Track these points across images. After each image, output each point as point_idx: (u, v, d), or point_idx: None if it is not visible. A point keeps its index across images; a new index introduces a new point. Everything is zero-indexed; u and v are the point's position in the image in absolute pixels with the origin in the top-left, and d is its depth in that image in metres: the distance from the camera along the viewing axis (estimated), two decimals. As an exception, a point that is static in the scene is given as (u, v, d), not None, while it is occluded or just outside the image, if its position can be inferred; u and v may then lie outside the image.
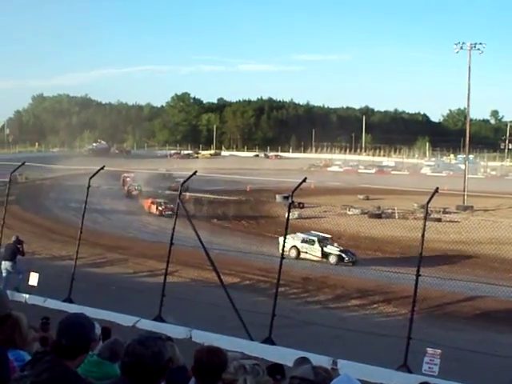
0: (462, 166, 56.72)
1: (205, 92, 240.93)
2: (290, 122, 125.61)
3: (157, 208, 37.70)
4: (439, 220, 36.32)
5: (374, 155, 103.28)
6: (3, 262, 15.49)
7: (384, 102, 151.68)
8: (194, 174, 13.47)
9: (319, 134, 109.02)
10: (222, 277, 13.06)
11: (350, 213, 38.71)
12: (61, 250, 22.86)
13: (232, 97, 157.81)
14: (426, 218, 11.32)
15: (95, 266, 20.87)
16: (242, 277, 20.82)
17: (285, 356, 8.50)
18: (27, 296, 14.10)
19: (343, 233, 30.13)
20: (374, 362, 10.05)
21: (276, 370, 4.91)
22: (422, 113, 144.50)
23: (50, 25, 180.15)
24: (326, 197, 39.47)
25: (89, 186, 14.44)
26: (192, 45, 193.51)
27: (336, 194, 42.95)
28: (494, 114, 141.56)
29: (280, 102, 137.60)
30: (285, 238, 13.06)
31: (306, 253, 25.83)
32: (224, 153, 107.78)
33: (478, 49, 54.10)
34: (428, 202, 11.20)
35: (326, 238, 26.56)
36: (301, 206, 34.98)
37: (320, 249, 25.74)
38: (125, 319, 12.25)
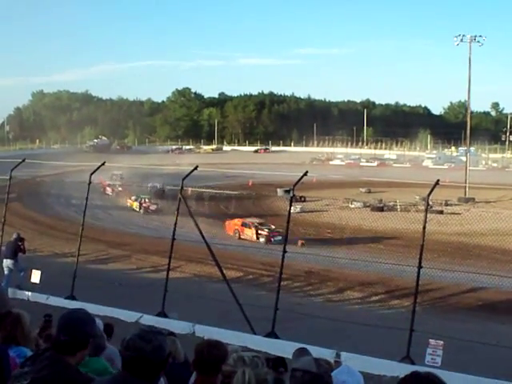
0: (464, 159, 56.58)
1: (206, 87, 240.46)
2: (292, 115, 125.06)
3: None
4: (441, 212, 36.42)
5: (375, 148, 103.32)
6: (4, 260, 15.47)
7: (385, 95, 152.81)
8: (195, 169, 13.33)
9: (321, 127, 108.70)
10: (224, 271, 13.08)
11: (352, 206, 38.78)
12: (63, 247, 22.92)
13: (233, 91, 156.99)
14: (426, 210, 11.43)
15: (98, 263, 20.92)
16: (244, 271, 20.87)
17: (288, 350, 8.44)
18: (30, 293, 14.15)
19: (345, 226, 30.15)
20: (377, 354, 10.07)
21: (279, 363, 4.92)
22: (422, 105, 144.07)
23: (50, 21, 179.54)
24: (328, 190, 39.43)
25: (89, 183, 14.46)
26: (192, 40, 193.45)
27: (338, 187, 42.97)
28: (495, 106, 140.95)
29: (281, 95, 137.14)
30: (287, 233, 12.99)
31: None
32: (226, 147, 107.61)
33: (478, 41, 54.09)
34: (429, 195, 11.24)
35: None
36: (302, 199, 35.17)
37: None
38: (128, 315, 12.24)
